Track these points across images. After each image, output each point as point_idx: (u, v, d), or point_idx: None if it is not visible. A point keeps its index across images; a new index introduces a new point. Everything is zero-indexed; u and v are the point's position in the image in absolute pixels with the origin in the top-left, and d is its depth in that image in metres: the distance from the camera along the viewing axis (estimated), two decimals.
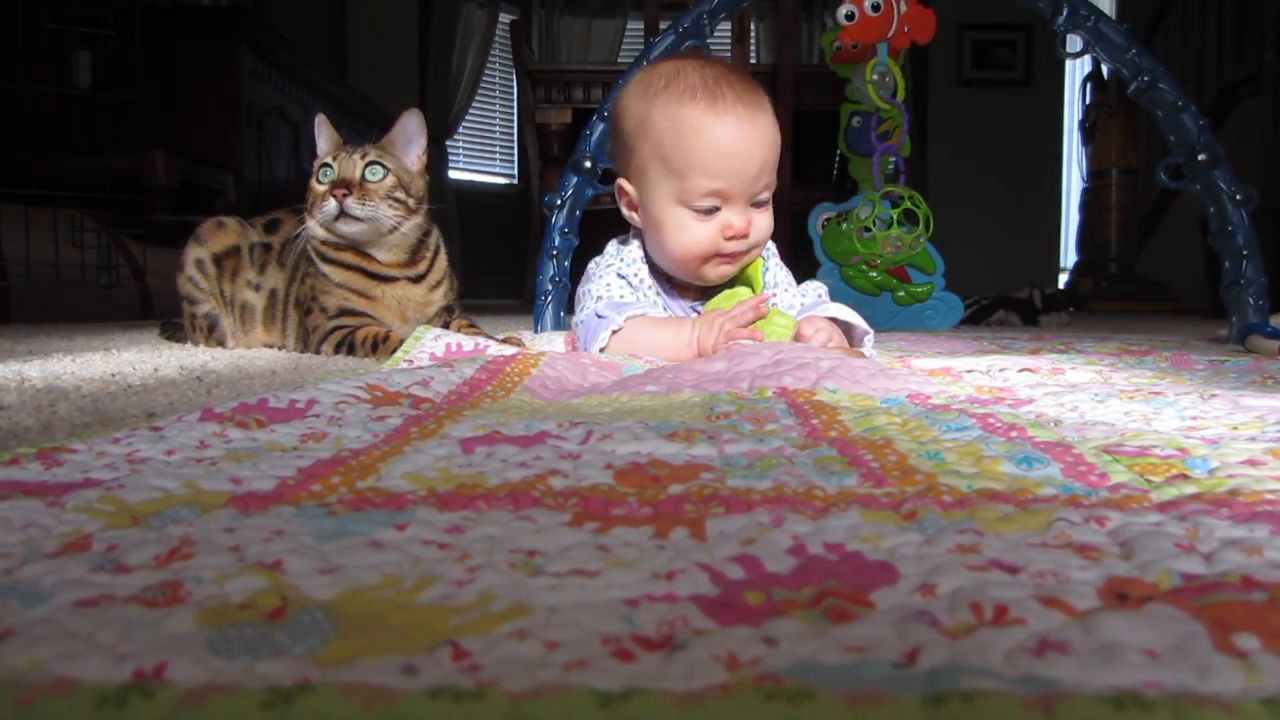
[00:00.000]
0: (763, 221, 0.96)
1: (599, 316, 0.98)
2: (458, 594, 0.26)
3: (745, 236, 0.95)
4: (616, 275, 1.03)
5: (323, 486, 0.39)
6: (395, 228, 1.23)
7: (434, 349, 0.98)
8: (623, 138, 0.98)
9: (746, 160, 0.91)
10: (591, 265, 1.08)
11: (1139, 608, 0.25)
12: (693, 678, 0.21)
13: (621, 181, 0.99)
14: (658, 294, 1.04)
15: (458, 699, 0.20)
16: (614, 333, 0.96)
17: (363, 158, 1.21)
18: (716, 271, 0.98)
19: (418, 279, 1.28)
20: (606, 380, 0.78)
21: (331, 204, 1.18)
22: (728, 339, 0.88)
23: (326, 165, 1.21)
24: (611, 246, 1.07)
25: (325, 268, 1.24)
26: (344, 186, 1.18)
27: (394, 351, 1.00)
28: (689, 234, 0.94)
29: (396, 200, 1.22)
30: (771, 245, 1.07)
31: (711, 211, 0.93)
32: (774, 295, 1.03)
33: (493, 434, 0.50)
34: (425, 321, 1.28)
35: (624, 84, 1.01)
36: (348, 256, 1.24)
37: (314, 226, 1.22)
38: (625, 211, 1.01)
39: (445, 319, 1.31)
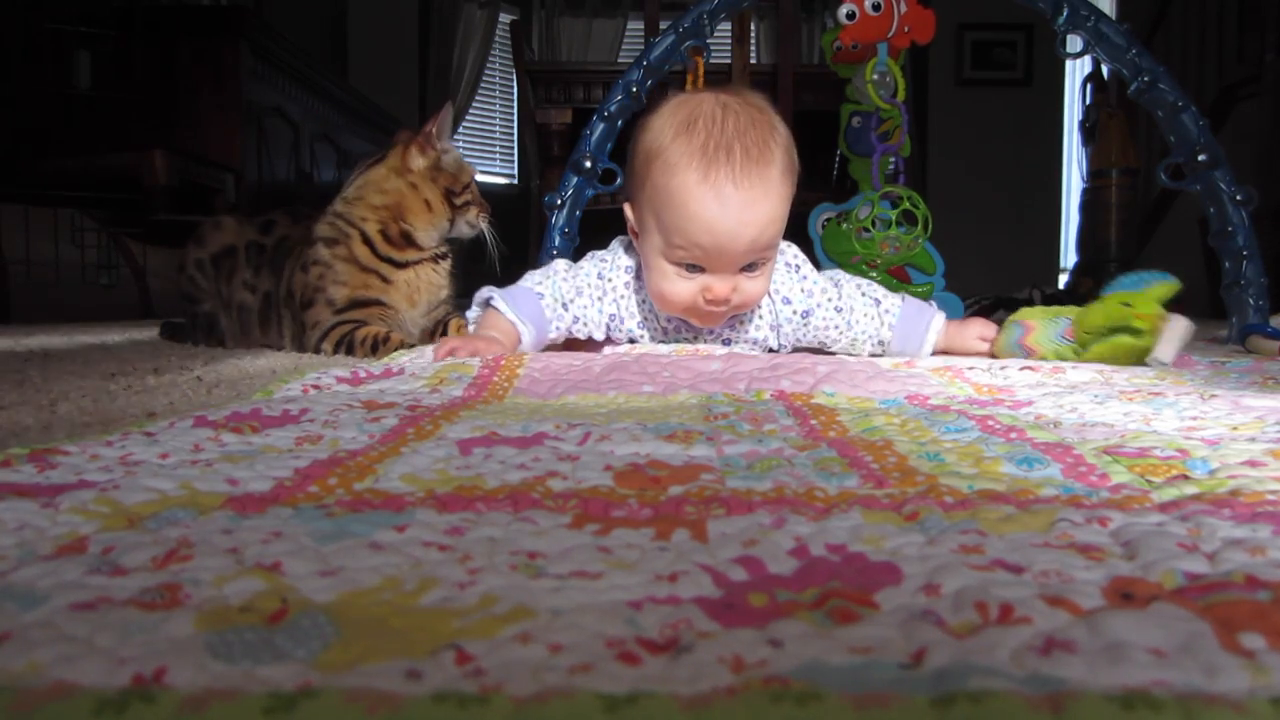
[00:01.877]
0: (751, 286, 0.93)
1: (487, 300, 1.02)
2: (460, 596, 0.26)
3: (726, 302, 0.92)
4: (597, 276, 1.03)
5: (320, 488, 0.39)
6: None
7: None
8: (632, 168, 0.96)
9: (730, 242, 0.88)
10: (589, 254, 1.08)
11: (1144, 607, 0.25)
12: (699, 680, 0.21)
13: (627, 206, 0.98)
14: (641, 303, 1.03)
15: (462, 704, 0.20)
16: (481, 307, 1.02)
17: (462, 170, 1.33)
18: (702, 321, 0.97)
19: (439, 258, 1.33)
20: (595, 360, 0.78)
21: (485, 220, 1.34)
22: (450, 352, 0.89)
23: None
24: (615, 244, 1.07)
25: (356, 249, 1.26)
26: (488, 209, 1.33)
27: (394, 352, 1.01)
28: (671, 285, 0.92)
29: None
30: (800, 255, 1.05)
31: (695, 270, 0.91)
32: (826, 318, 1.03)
33: (490, 435, 0.50)
34: (431, 309, 1.29)
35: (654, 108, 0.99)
36: (392, 251, 1.26)
37: (459, 229, 1.32)
38: (630, 233, 1.00)
39: (447, 310, 1.32)
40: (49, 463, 0.42)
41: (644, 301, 1.02)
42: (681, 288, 0.92)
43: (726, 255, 0.89)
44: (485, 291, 1.03)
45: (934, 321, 1.02)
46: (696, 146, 0.89)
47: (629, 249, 1.05)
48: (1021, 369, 0.84)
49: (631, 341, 1.03)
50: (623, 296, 1.02)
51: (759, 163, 0.89)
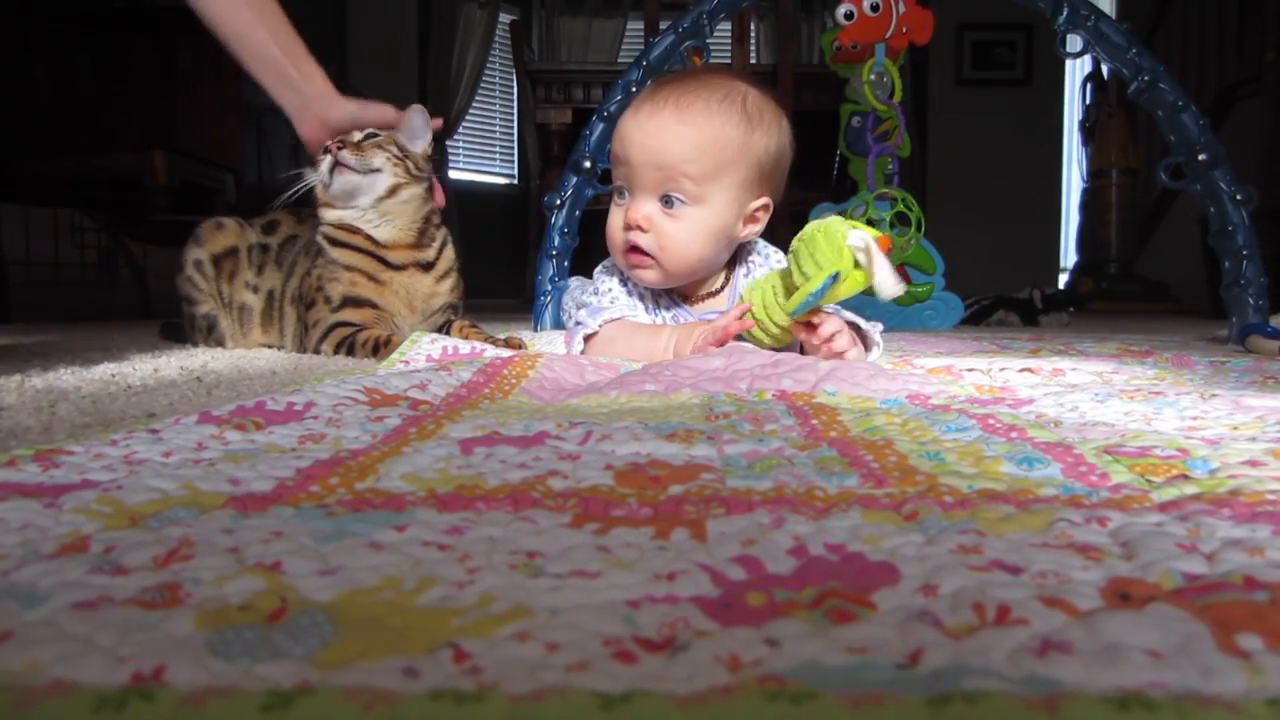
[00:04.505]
0: (668, 227, 0.93)
1: (577, 324, 1.00)
2: (458, 595, 0.26)
3: (641, 230, 0.93)
4: (619, 282, 1.04)
5: (321, 487, 0.39)
6: (395, 188, 1.22)
7: (430, 351, 0.98)
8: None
9: (640, 151, 0.92)
10: (597, 269, 1.09)
11: (1141, 608, 0.25)
12: (695, 679, 0.21)
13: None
14: (639, 298, 1.04)
15: (459, 701, 0.20)
16: (588, 338, 0.98)
17: (360, 130, 1.24)
18: (628, 266, 0.98)
19: (427, 266, 1.27)
20: (604, 379, 0.78)
21: (327, 159, 1.19)
22: (704, 348, 0.88)
23: (326, 149, 1.22)
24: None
25: (335, 252, 1.24)
26: (340, 142, 1.20)
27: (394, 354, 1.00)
28: (610, 221, 0.96)
29: (396, 158, 1.23)
30: (773, 251, 1.06)
31: (624, 198, 0.95)
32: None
33: (492, 435, 0.50)
34: (430, 315, 1.28)
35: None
36: (359, 240, 1.24)
37: (322, 202, 1.23)
38: None
39: (449, 317, 1.31)
40: (53, 462, 0.42)
41: (644, 293, 1.03)
42: (615, 219, 0.96)
43: (636, 167, 0.93)
44: (577, 331, 1.01)
45: None
46: (652, 90, 0.96)
47: None
48: (1021, 370, 0.84)
49: None
50: (643, 292, 1.03)
51: (689, 102, 0.92)
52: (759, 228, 0.99)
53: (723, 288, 1.03)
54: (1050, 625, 0.24)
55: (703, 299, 1.03)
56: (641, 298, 1.04)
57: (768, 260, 1.03)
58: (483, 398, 0.68)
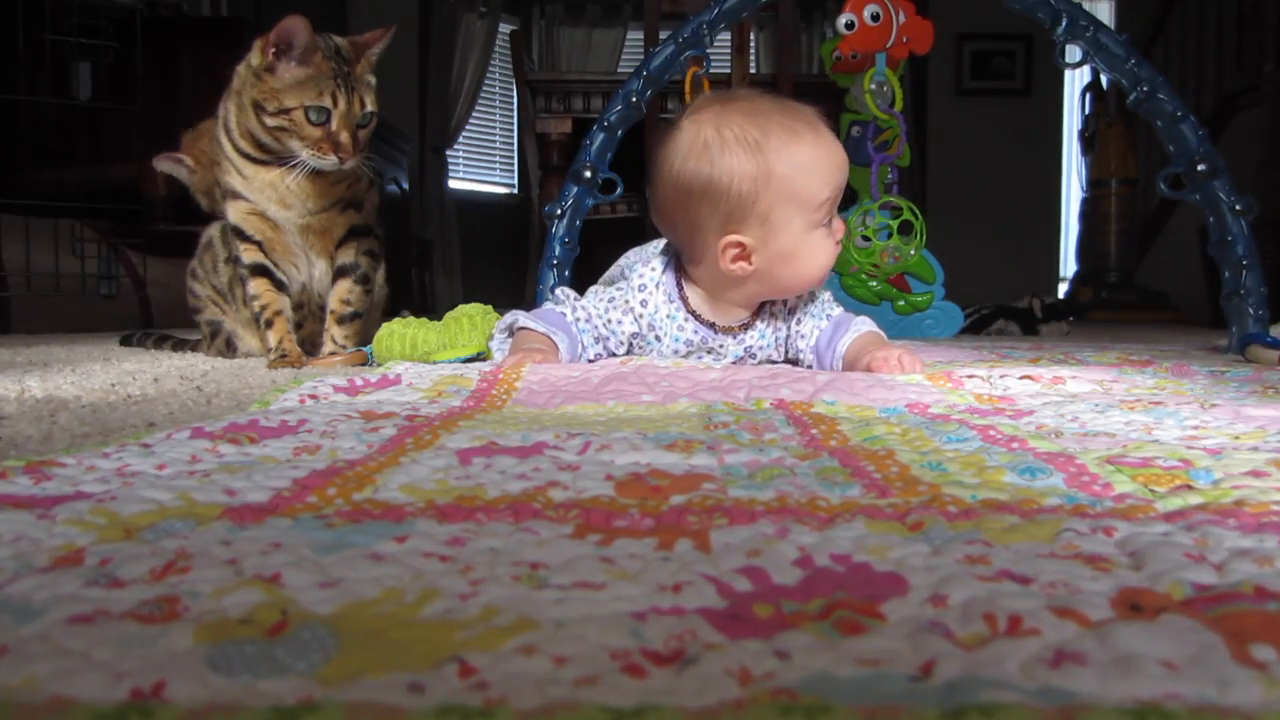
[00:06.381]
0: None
1: (518, 320, 1.03)
2: (462, 608, 0.26)
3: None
4: (639, 289, 1.01)
5: (319, 498, 0.38)
6: None
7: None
8: (733, 197, 0.93)
9: (846, 163, 0.98)
10: (617, 273, 1.07)
11: (1153, 619, 0.25)
12: (706, 693, 0.20)
13: (732, 238, 0.94)
14: (686, 320, 1.01)
15: (466, 717, 0.19)
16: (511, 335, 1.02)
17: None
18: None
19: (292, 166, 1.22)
20: (594, 373, 0.77)
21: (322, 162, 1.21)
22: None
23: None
24: (650, 272, 1.03)
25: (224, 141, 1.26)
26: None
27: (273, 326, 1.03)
28: (824, 250, 0.97)
29: None
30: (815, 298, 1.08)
31: (829, 224, 0.98)
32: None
33: (489, 445, 0.50)
34: (311, 214, 1.25)
35: (671, 143, 0.98)
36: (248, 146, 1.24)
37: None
38: (729, 265, 0.95)
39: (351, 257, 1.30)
40: (45, 474, 0.42)
41: (686, 318, 1.01)
42: (829, 244, 0.98)
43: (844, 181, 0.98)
44: (510, 316, 1.03)
45: (845, 336, 1.02)
46: (782, 124, 0.95)
47: (667, 268, 1.02)
48: (1021, 379, 0.83)
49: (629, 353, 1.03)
50: (666, 315, 1.01)
51: (802, 109, 0.99)
52: (745, 265, 0.95)
53: (747, 324, 1.02)
54: (1063, 636, 0.24)
55: (724, 329, 1.02)
56: (663, 323, 1.01)
57: (794, 303, 1.03)
58: (477, 411, 0.68)
